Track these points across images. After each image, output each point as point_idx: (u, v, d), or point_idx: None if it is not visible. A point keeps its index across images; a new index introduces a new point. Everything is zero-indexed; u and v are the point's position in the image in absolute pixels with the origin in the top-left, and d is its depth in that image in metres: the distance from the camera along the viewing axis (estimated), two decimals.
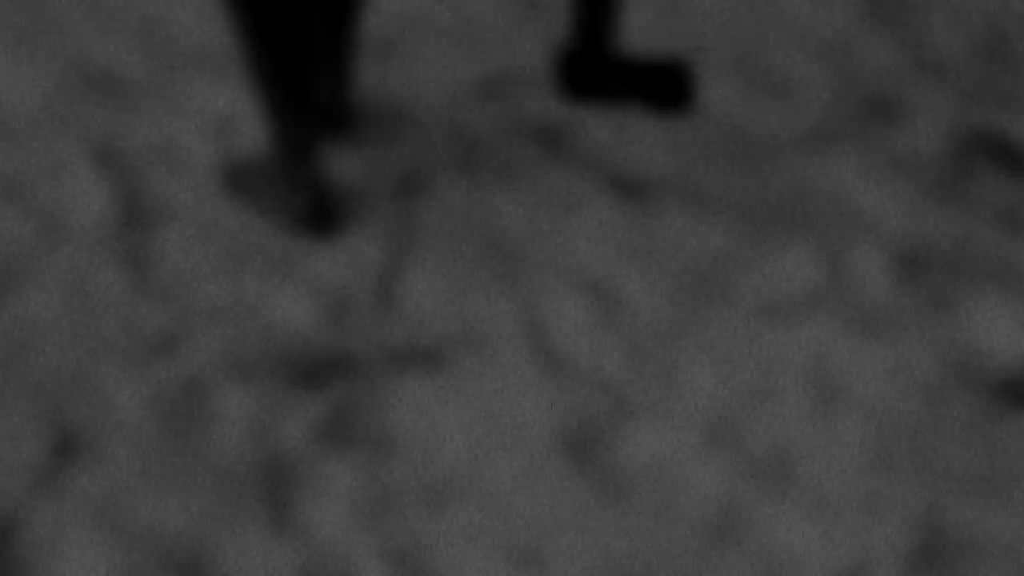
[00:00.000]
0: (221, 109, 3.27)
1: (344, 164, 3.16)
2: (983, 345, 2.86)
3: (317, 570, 2.40)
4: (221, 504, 2.46)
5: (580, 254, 3.00)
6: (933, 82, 3.55)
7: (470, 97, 3.38)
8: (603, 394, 2.72)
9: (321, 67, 2.92)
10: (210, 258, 2.92)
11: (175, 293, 2.83)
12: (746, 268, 2.99)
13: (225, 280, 2.87)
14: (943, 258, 3.05)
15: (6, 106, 3.21)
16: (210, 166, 3.11)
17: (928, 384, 2.78)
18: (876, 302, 2.94)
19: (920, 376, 2.79)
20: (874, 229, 3.10)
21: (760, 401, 2.72)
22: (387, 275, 2.92)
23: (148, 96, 3.29)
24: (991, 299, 2.96)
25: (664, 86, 2.92)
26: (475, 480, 2.55)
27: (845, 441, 2.66)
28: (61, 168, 3.08)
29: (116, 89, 3.30)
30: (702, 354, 2.80)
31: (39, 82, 3.29)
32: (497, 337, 2.81)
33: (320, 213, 2.93)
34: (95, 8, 3.54)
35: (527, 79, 3.45)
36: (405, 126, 3.27)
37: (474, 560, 2.43)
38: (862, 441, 2.66)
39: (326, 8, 2.79)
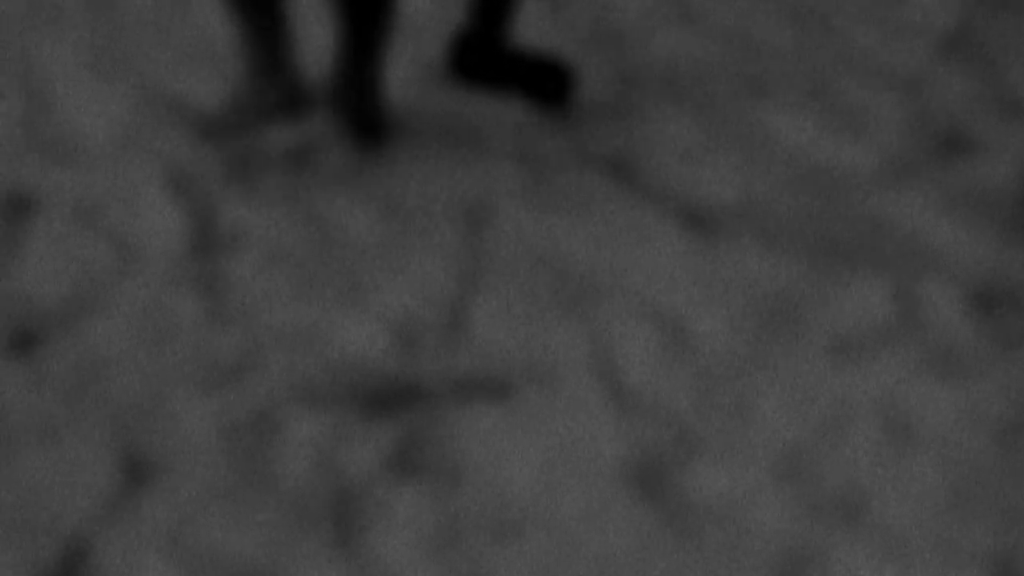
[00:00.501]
0: (294, 137, 3.29)
1: (409, 187, 3.17)
2: None
3: None
4: (289, 531, 2.47)
5: (649, 285, 2.99)
6: (1008, 118, 3.52)
7: (538, 124, 3.38)
8: (671, 428, 2.70)
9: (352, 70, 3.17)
10: (281, 285, 2.93)
11: (246, 319, 2.85)
12: (818, 303, 2.97)
13: (296, 307, 2.88)
14: (1017, 295, 3.02)
15: (83, 132, 3.25)
16: (198, 119, 3.24)
17: (1002, 424, 2.75)
18: (949, 339, 2.91)
19: (994, 416, 2.76)
20: (948, 265, 3.08)
21: (831, 438, 2.70)
22: (455, 304, 2.92)
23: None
24: None
25: (546, 82, 3.13)
26: (541, 512, 2.54)
27: (917, 480, 2.64)
28: (135, 194, 3.11)
29: (190, 115, 3.33)
30: (772, 389, 2.79)
31: (115, 109, 3.32)
32: (565, 368, 2.80)
33: (296, 98, 3.17)
34: (169, 37, 3.57)
35: (595, 108, 3.45)
36: (473, 151, 3.28)
37: None
38: (935, 481, 2.63)
39: None
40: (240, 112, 3.20)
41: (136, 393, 2.67)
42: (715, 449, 2.67)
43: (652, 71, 3.56)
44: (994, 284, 3.04)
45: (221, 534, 2.45)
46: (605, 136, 3.37)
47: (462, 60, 3.23)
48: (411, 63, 3.56)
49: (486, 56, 3.16)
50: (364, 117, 3.24)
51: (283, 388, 2.71)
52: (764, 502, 2.59)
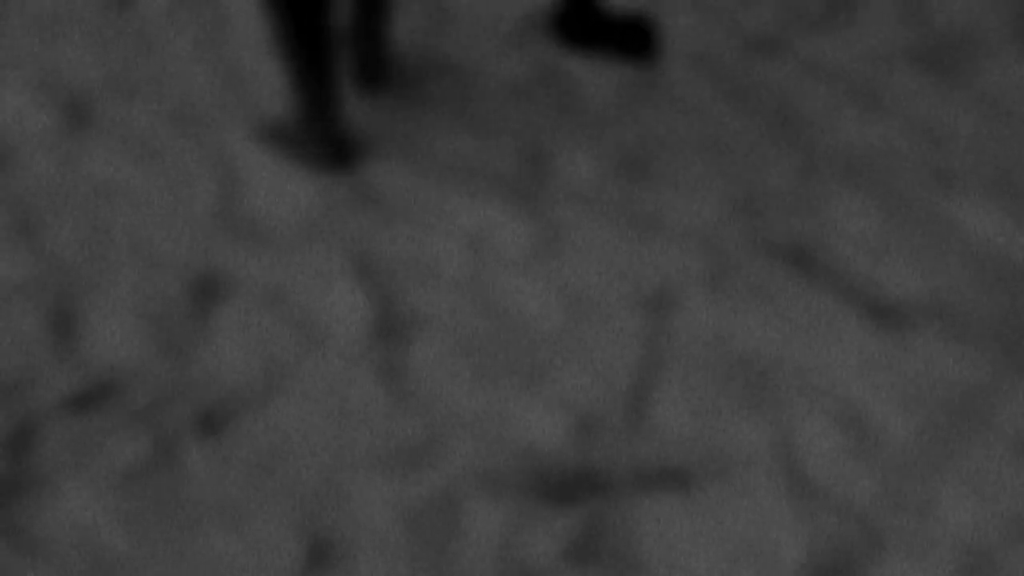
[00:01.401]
0: (474, 222, 3.32)
1: (589, 272, 3.17)
2: None
3: None
4: None
5: (832, 378, 2.95)
6: None
7: (721, 213, 3.37)
8: (855, 524, 2.65)
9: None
10: (462, 370, 2.95)
11: (428, 404, 2.87)
12: (1005, 398, 2.90)
13: (476, 392, 2.90)
14: None
15: (272, 217, 3.32)
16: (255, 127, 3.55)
17: None
18: None
19: None
20: None
21: (1019, 536, 2.63)
22: (636, 392, 2.91)
23: (405, 210, 3.36)
24: None
25: (634, 41, 3.60)
26: None
27: None
28: (321, 278, 3.16)
29: (372, 201, 3.38)
30: (958, 486, 2.72)
31: (302, 193, 3.39)
32: (746, 460, 2.77)
33: (341, 156, 3.47)
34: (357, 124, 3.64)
35: (778, 197, 3.43)
36: (652, 236, 3.28)
37: None
38: None
39: None
40: (289, 142, 3.50)
41: (319, 475, 2.71)
42: (900, 546, 2.61)
43: (836, 159, 3.53)
44: None
45: None
46: (788, 225, 3.35)
47: (564, 24, 3.65)
48: (598, 157, 3.58)
49: (584, 20, 3.61)
50: (374, 64, 3.64)
51: (464, 474, 2.72)
52: None
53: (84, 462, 2.74)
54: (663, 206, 3.39)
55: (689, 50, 3.86)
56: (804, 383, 2.94)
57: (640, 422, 2.84)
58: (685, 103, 3.71)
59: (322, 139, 3.42)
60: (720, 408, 2.88)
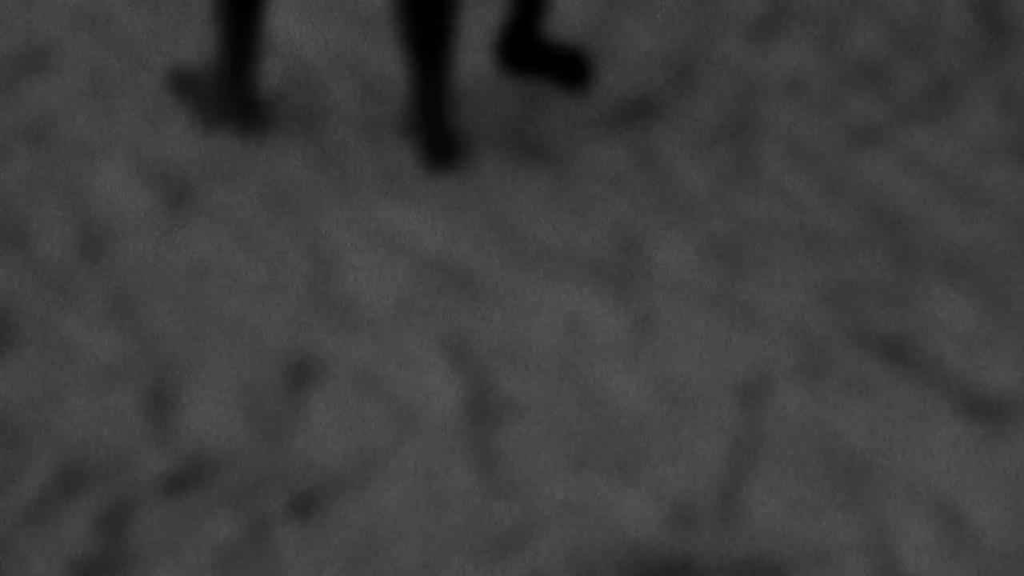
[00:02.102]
0: (568, 307, 3.32)
1: (684, 361, 3.16)
2: None
3: None
4: None
5: (929, 473, 2.92)
6: None
7: (815, 304, 3.36)
8: None
9: None
10: (556, 456, 2.95)
11: (521, 490, 2.87)
12: None
13: (571, 479, 2.89)
14: None
15: (366, 298, 3.34)
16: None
17: None
18: None
19: None
20: None
21: None
22: (730, 482, 2.89)
23: (499, 292, 3.37)
24: None
25: (572, 70, 3.69)
26: None
27: None
28: (415, 361, 3.18)
29: (467, 284, 3.40)
30: None
31: (396, 276, 3.41)
32: (840, 554, 2.74)
33: (247, 115, 3.75)
34: (450, 205, 3.66)
35: (874, 289, 3.41)
36: (746, 325, 3.27)
37: None
38: None
39: None
40: (203, 96, 3.80)
41: (414, 561, 2.70)
42: None
43: (934, 253, 3.51)
44: None
45: None
46: (884, 317, 3.32)
47: (505, 51, 3.71)
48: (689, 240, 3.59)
49: (525, 48, 3.69)
50: (439, 138, 3.69)
51: (557, 561, 2.71)
52: None
53: (178, 543, 2.76)
54: (757, 295, 3.38)
55: (785, 138, 3.87)
56: (901, 477, 2.91)
57: (734, 513, 2.82)
58: (781, 192, 3.70)
59: (231, 95, 3.73)
60: (815, 501, 2.85)
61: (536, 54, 3.70)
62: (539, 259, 3.47)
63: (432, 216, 3.60)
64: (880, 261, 3.50)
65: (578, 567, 2.70)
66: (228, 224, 3.54)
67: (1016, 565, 2.71)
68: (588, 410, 3.07)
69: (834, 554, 2.74)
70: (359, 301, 3.35)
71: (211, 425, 3.02)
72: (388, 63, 4.09)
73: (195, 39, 4.13)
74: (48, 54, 4.07)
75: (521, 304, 3.34)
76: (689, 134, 3.86)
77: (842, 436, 3.00)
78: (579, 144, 3.82)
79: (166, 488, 2.87)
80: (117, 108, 3.89)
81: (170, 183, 3.64)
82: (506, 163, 3.75)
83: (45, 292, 3.31)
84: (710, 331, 3.28)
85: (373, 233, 3.54)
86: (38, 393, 3.07)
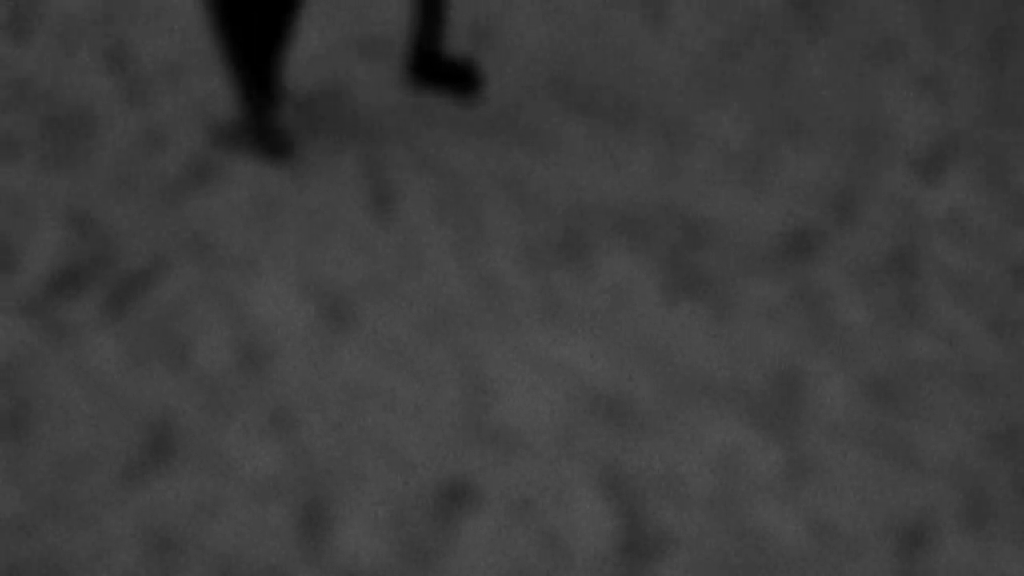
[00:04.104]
0: (724, 442, 3.28)
1: (844, 502, 3.10)
2: None
3: None
4: None
5: None
6: None
7: (979, 447, 3.28)
8: None
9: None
10: None
11: None
12: None
13: None
14: None
15: (520, 424, 3.33)
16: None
17: None
18: None
19: None
20: None
21: None
22: None
23: (654, 424, 3.35)
24: None
25: (467, 80, 4.17)
26: None
27: None
28: (569, 490, 3.16)
29: (623, 414, 3.38)
30: None
31: (552, 404, 3.40)
32: None
33: (282, 148, 4.15)
34: (608, 333, 3.65)
35: None
36: (909, 470, 3.20)
37: None
38: None
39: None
40: (239, 140, 4.19)
41: None
42: None
43: None
44: None
45: None
46: None
47: (412, 68, 4.17)
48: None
49: (428, 65, 4.15)
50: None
51: None
52: None
53: None
54: (919, 436, 3.30)
55: (949, 275, 3.80)
56: None
57: None
58: (944, 329, 3.63)
59: (262, 134, 4.13)
60: None
61: (438, 67, 4.19)
62: (696, 391, 3.44)
63: (590, 344, 3.59)
64: None
65: None
66: (385, 344, 3.56)
67: None
68: (743, 546, 3.01)
69: None
70: (514, 427, 3.34)
71: (362, 546, 3.02)
72: (551, 181, 4.11)
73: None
74: (213, 165, 4.16)
75: (677, 436, 3.31)
76: (851, 268, 3.81)
77: None
78: (738, 276, 3.79)
79: None
80: (280, 227, 3.96)
81: (331, 302, 3.68)
82: (665, 292, 3.73)
83: (204, 405, 3.36)
84: (868, 471, 3.21)
85: (530, 358, 3.54)
86: (194, 505, 3.10)
